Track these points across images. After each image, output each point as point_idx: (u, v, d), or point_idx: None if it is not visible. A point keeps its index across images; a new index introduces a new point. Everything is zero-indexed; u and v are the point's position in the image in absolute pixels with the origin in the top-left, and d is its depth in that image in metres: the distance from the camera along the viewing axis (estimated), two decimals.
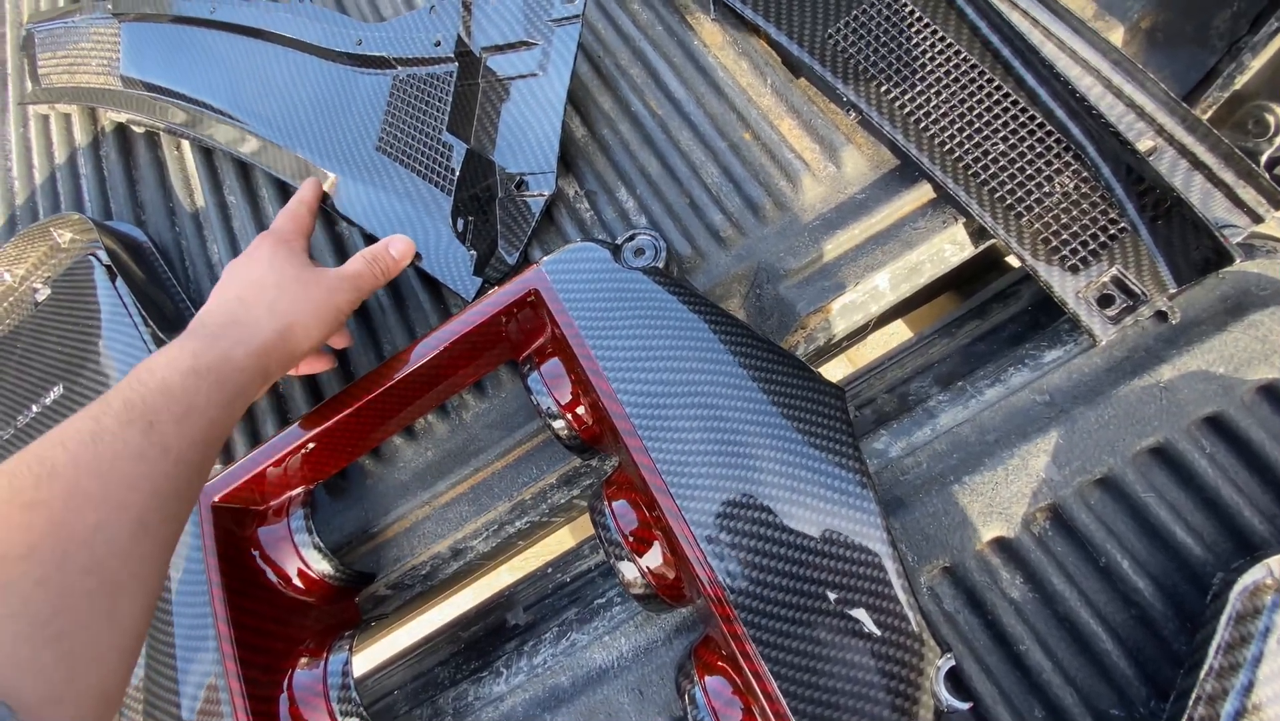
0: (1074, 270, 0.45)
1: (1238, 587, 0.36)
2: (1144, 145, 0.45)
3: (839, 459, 0.40)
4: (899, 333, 0.95)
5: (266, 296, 0.46)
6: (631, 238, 0.51)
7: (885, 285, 0.54)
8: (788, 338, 0.55)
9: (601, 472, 0.56)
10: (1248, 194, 0.43)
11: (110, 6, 0.82)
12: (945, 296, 0.71)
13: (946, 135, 0.49)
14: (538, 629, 0.55)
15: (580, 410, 0.49)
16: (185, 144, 0.79)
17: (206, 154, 0.77)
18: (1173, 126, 0.45)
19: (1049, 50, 0.47)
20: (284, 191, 0.72)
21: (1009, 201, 0.47)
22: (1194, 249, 0.42)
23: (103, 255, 0.71)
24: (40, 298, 0.78)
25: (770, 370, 0.43)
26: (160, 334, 0.64)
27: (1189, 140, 0.44)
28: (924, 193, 0.52)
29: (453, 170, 0.60)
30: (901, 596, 0.37)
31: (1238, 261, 0.43)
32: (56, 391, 0.69)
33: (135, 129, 0.82)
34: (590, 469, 0.56)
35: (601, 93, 0.66)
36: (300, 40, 0.70)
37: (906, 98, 0.51)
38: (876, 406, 0.55)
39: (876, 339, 0.65)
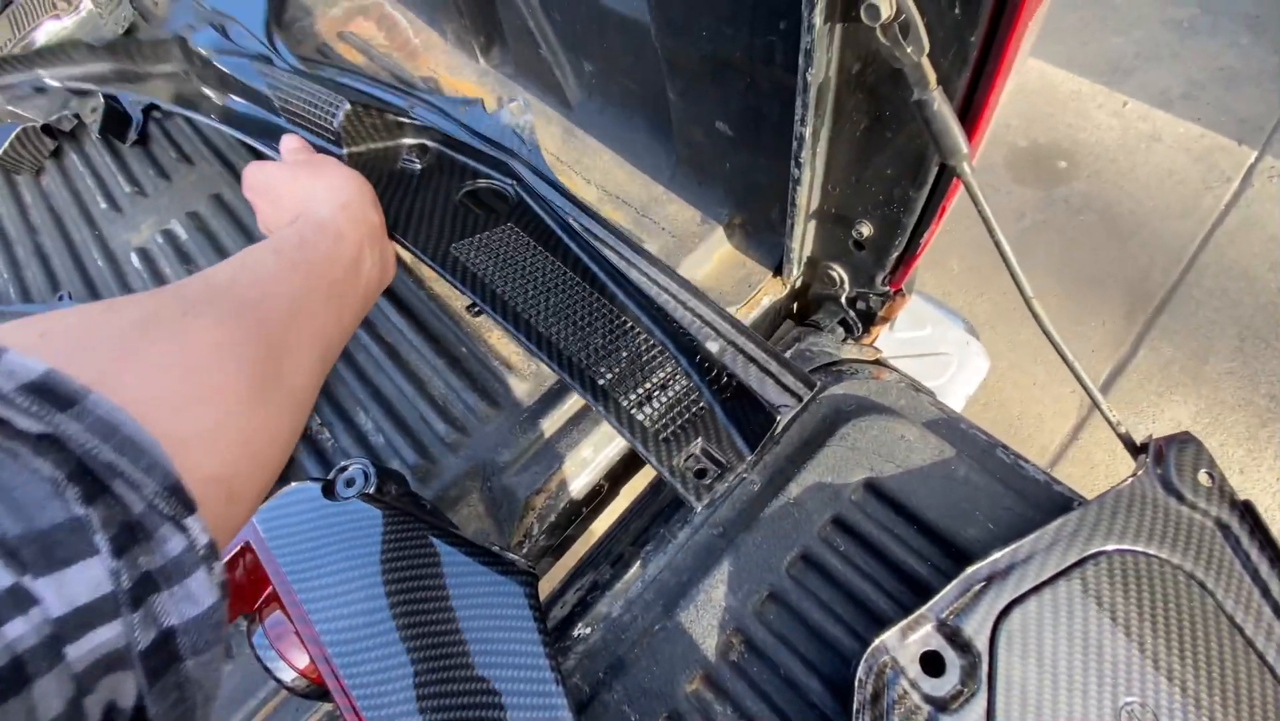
0: (668, 444, 0.50)
1: (860, 671, 0.43)
2: (713, 347, 0.54)
3: (523, 642, 0.44)
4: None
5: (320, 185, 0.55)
6: (343, 469, 0.55)
7: (590, 454, 0.61)
8: (520, 521, 0.60)
9: None
10: (787, 379, 0.51)
11: None
12: None
13: (557, 332, 0.55)
14: None
15: (307, 659, 0.49)
16: None
17: None
18: (730, 333, 0.54)
19: (635, 276, 0.58)
20: None
21: (610, 392, 0.52)
22: (755, 421, 0.50)
23: None
24: None
25: (460, 573, 0.47)
26: None
27: (742, 341, 0.54)
28: None
29: None
30: None
31: (827, 389, 0.55)
32: None
33: None
34: None
35: None
36: None
37: (526, 305, 0.57)
38: (616, 566, 0.61)
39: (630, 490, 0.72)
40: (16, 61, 0.86)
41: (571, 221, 0.62)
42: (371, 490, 0.54)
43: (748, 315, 0.68)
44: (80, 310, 0.30)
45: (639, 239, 0.74)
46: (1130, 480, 0.44)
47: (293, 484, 0.54)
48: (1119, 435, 0.46)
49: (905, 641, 0.43)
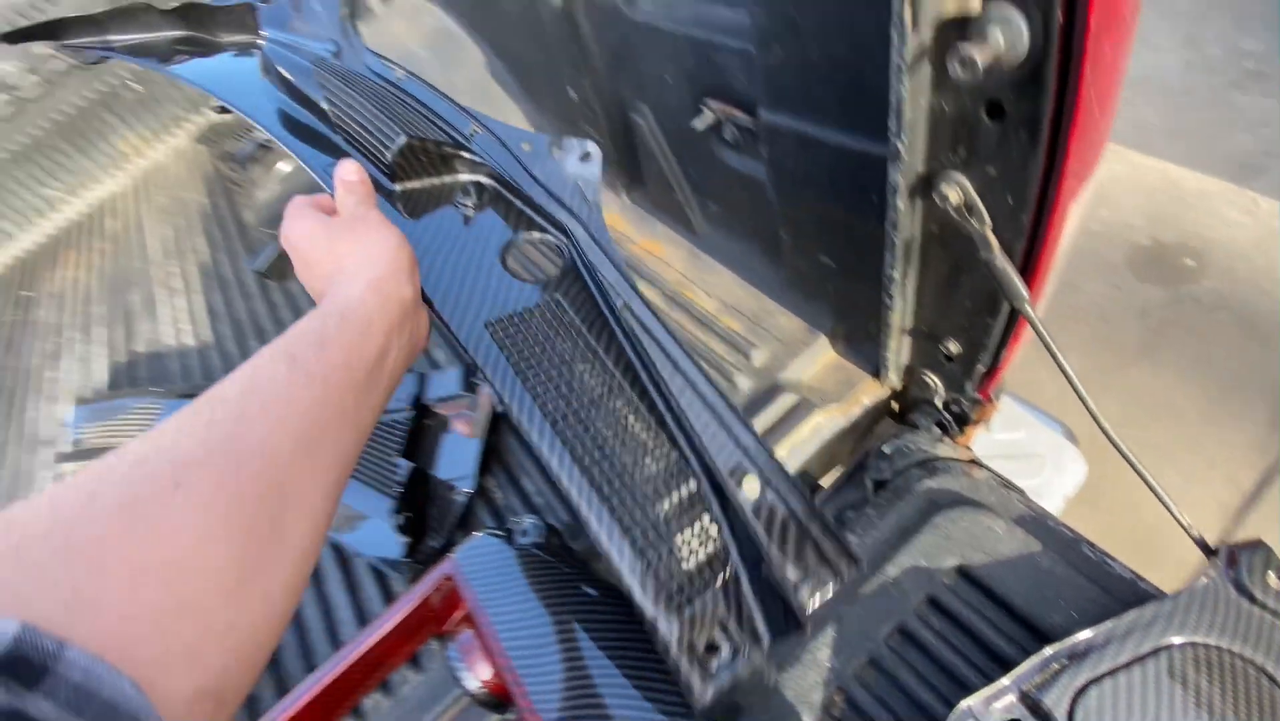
0: (680, 611, 0.44)
1: None
2: (752, 493, 0.46)
3: (656, 675, 0.55)
4: None
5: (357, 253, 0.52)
6: (519, 523, 0.70)
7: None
8: None
9: None
10: (828, 548, 0.46)
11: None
12: None
13: (584, 452, 0.53)
14: None
15: (490, 672, 0.63)
16: None
17: None
18: (775, 479, 0.47)
19: (677, 385, 0.52)
20: None
21: (634, 538, 0.47)
22: (777, 603, 0.46)
23: None
24: None
25: (605, 612, 0.59)
26: None
27: (785, 488, 0.47)
28: None
29: (398, 482, 0.82)
30: None
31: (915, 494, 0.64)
32: None
33: None
34: None
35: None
36: None
37: (557, 410, 0.56)
38: None
39: None
40: (86, 24, 0.84)
41: (621, 308, 0.57)
42: (541, 540, 0.69)
43: (848, 413, 0.78)
44: (64, 492, 0.28)
45: (749, 343, 0.88)
46: (1204, 580, 0.50)
47: (481, 533, 0.69)
48: (1192, 538, 0.52)
49: (990, 708, 0.50)
